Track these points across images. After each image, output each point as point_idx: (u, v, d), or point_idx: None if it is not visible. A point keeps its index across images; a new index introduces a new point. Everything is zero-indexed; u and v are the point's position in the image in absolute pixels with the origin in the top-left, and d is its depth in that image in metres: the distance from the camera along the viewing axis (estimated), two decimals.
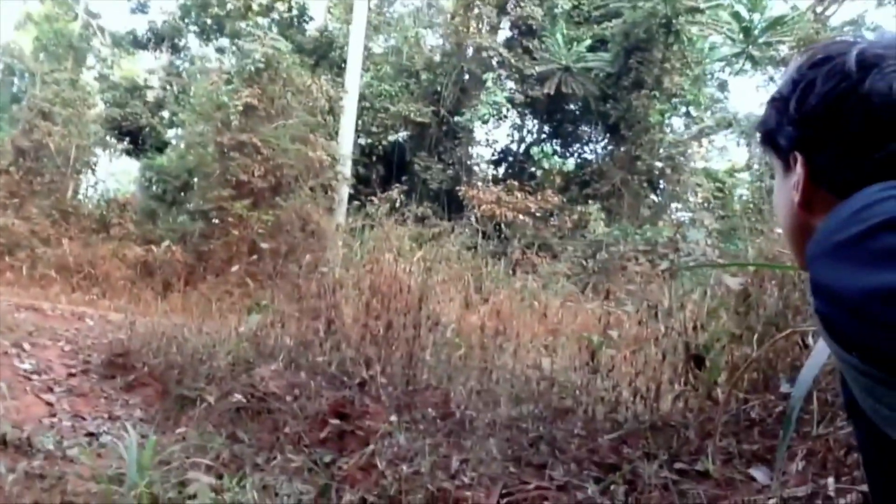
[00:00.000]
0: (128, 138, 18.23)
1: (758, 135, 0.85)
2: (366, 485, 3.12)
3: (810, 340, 2.64)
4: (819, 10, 18.10)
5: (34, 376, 4.45)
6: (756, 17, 16.12)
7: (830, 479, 2.09)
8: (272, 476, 3.34)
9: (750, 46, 16.14)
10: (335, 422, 3.67)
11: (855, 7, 17.30)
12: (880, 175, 0.65)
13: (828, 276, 0.60)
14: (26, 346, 4.93)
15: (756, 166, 13.30)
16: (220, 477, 3.21)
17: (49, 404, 4.12)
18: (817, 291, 0.60)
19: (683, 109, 17.04)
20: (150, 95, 19.86)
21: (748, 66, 17.50)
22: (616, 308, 3.89)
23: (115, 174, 19.84)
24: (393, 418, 3.56)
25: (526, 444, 3.09)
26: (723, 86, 19.68)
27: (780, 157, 0.79)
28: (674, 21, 14.95)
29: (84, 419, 4.02)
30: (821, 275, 0.61)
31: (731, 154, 18.91)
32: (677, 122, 17.32)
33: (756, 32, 15.95)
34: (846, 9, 17.55)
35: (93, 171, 16.22)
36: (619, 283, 3.90)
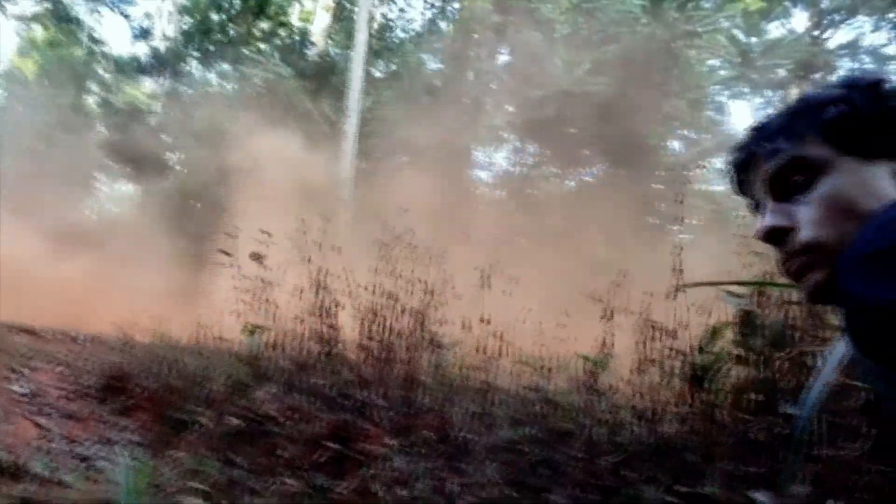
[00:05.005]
0: (129, 162, 18.32)
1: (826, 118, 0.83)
2: None
3: (813, 361, 2.61)
4: (816, 33, 18.22)
5: (28, 400, 4.40)
6: (753, 40, 16.23)
7: (836, 503, 2.05)
8: (268, 501, 3.29)
9: (747, 70, 16.23)
10: (333, 445, 3.62)
11: (851, 31, 17.39)
12: None
13: (855, 286, 0.59)
14: (21, 369, 4.88)
15: None
16: (214, 502, 3.16)
17: (42, 428, 4.06)
18: (845, 300, 0.59)
19: (682, 132, 17.09)
20: (152, 120, 19.97)
21: (746, 89, 17.60)
22: (616, 328, 3.85)
23: (115, 198, 19.92)
24: (391, 441, 3.51)
25: (525, 467, 3.05)
26: (721, 109, 19.78)
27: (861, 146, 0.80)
28: (672, 45, 15.07)
29: (78, 443, 3.96)
30: (849, 284, 0.60)
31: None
32: (676, 145, 17.38)
33: (753, 56, 16.05)
34: (842, 33, 17.66)
35: (93, 194, 16.31)
36: (618, 305, 3.87)
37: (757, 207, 0.91)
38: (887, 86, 0.82)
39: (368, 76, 17.68)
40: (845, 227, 0.74)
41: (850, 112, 0.81)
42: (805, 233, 0.80)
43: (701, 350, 3.18)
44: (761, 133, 0.89)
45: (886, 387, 0.60)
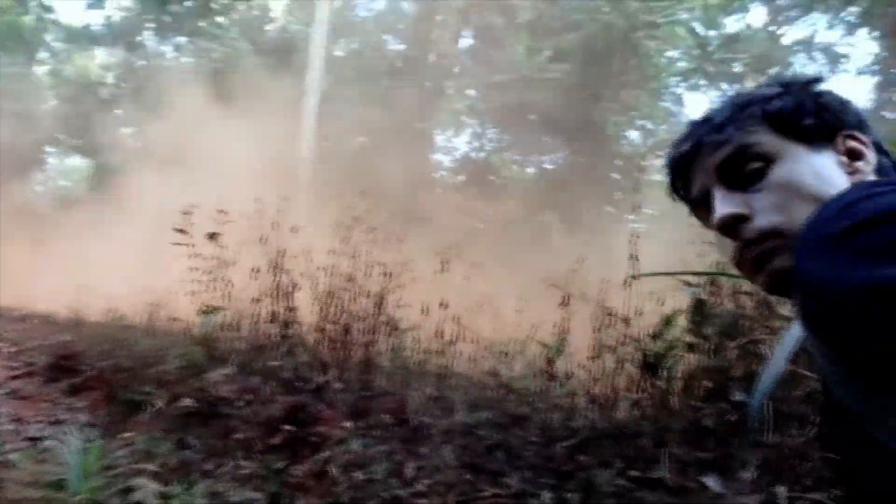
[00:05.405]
0: (80, 136, 17.80)
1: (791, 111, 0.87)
2: (318, 492, 3.07)
3: (763, 350, 2.69)
4: (772, 28, 18.58)
5: None
6: (712, 33, 16.48)
7: (782, 488, 2.12)
8: (221, 483, 3.26)
9: (705, 62, 16.48)
10: (288, 428, 3.60)
11: (806, 28, 17.81)
12: None
13: (812, 269, 0.60)
14: None
15: None
16: (167, 483, 3.12)
17: None
18: (801, 283, 0.60)
19: (640, 122, 17.30)
20: (105, 92, 19.38)
21: (703, 81, 17.87)
22: (573, 315, 3.91)
23: (65, 172, 19.35)
24: (348, 424, 3.51)
25: (482, 451, 3.08)
26: (678, 100, 20.04)
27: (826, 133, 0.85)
28: (632, 35, 15.21)
29: (26, 423, 3.87)
30: (806, 267, 0.61)
31: None
32: (634, 135, 17.60)
33: (711, 49, 16.29)
34: (797, 29, 18.04)
35: (42, 168, 15.83)
36: (575, 292, 3.92)
37: (700, 204, 0.91)
38: (821, 84, 0.88)
39: (329, 55, 17.43)
40: (802, 213, 0.74)
41: (793, 105, 0.85)
42: (762, 219, 0.80)
43: (654, 337, 3.25)
44: (708, 124, 0.89)
45: (836, 371, 0.61)
